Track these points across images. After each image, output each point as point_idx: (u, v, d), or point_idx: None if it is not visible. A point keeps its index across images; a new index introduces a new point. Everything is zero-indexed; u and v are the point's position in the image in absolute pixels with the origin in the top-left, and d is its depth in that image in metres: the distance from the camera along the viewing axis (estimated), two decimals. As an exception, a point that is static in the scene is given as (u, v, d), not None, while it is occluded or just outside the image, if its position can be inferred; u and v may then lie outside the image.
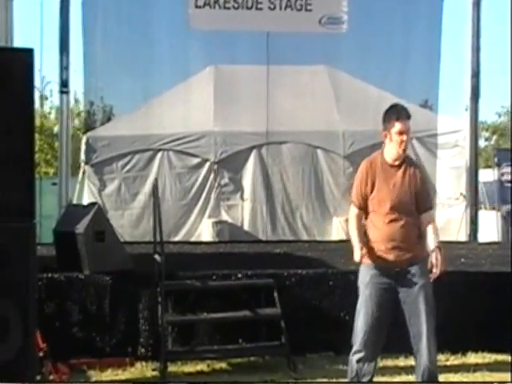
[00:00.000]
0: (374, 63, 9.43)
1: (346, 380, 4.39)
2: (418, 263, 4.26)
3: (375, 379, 4.37)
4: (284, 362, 5.30)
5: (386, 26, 9.50)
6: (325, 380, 5.00)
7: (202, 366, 5.38)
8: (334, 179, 9.48)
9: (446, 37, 9.57)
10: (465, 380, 5.13)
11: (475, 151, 9.36)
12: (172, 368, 5.25)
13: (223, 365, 5.44)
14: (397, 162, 4.32)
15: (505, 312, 5.72)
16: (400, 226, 4.23)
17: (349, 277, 5.33)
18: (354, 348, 4.28)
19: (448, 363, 5.50)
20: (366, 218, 4.35)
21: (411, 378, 5.02)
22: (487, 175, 11.51)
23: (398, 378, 5.09)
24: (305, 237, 9.32)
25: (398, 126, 4.28)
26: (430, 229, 4.28)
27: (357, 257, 4.18)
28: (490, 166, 13.23)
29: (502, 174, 10.21)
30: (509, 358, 5.56)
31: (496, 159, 11.12)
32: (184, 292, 5.52)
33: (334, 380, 4.76)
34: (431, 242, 4.26)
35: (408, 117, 4.32)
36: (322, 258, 6.49)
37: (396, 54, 9.50)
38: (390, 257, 4.24)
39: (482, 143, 23.32)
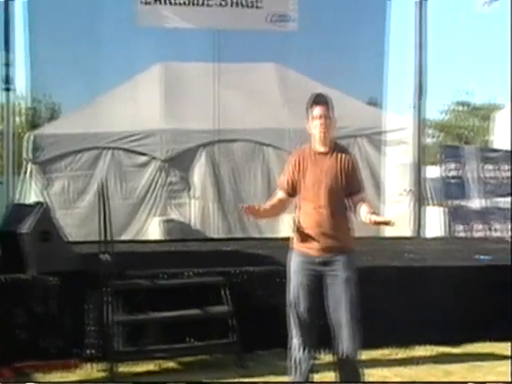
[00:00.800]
0: (322, 61, 9.50)
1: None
2: (345, 254, 4.28)
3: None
4: (235, 360, 5.31)
5: (334, 25, 9.58)
6: (272, 378, 5.00)
7: (151, 366, 5.34)
8: (283, 177, 9.50)
9: (393, 35, 9.72)
10: (413, 372, 5.24)
11: (420, 148, 9.54)
12: (122, 368, 5.18)
13: (173, 364, 5.40)
14: (324, 149, 4.34)
15: (450, 306, 5.86)
16: (329, 213, 4.24)
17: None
18: (291, 338, 4.29)
19: (393, 357, 5.63)
20: (299, 207, 4.35)
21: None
22: (434, 172, 11.70)
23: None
24: (255, 234, 9.34)
25: (314, 111, 4.33)
26: (362, 203, 4.26)
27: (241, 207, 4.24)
28: (435, 163, 13.45)
29: (447, 171, 10.40)
30: (451, 349, 5.73)
31: (442, 156, 11.31)
32: (133, 291, 5.46)
33: (281, 380, 4.73)
34: (366, 210, 4.19)
35: (326, 102, 4.35)
36: (272, 255, 6.50)
37: (343, 52, 9.60)
38: (318, 243, 4.25)
39: (428, 140, 23.76)
